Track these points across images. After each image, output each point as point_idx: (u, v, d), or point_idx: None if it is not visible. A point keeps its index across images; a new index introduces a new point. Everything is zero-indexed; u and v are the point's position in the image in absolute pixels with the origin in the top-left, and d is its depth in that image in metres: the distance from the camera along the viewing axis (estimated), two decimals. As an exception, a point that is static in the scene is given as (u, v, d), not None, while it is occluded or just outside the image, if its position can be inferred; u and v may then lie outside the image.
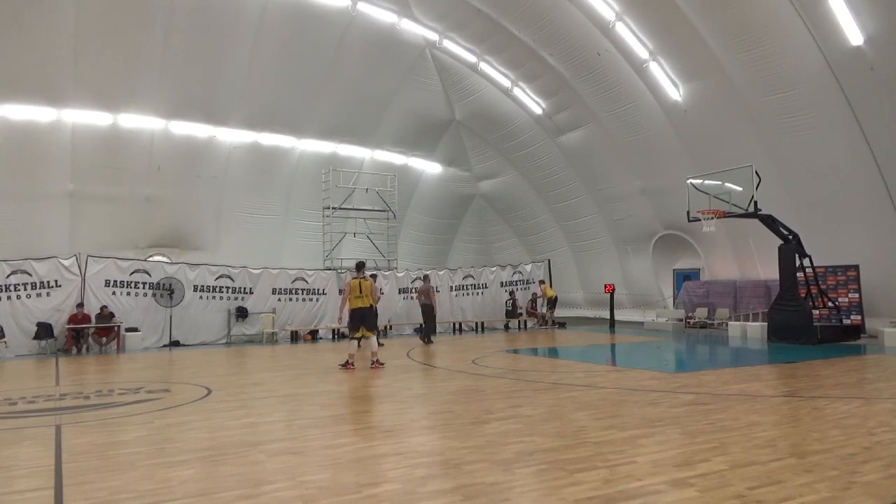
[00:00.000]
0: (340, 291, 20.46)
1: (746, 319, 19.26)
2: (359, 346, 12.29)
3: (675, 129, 20.77)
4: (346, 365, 11.72)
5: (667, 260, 25.00)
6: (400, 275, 22.25)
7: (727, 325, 19.19)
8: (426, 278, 19.16)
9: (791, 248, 15.93)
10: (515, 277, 23.90)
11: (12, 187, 19.85)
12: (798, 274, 16.03)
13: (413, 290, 21.87)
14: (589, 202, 26.04)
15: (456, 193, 30.45)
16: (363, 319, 11.81)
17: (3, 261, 15.87)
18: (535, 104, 24.88)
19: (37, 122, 19.83)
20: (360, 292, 11.76)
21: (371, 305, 11.95)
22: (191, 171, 22.98)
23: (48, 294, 16.13)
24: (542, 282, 23.81)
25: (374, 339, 12.01)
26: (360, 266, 12.56)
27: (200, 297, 18.24)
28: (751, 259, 21.11)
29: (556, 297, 23.31)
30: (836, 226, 17.76)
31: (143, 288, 17.40)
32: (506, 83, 24.95)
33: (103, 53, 19.52)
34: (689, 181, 17.66)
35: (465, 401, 8.25)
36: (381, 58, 23.67)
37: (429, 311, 17.75)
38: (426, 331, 17.69)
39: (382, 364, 11.96)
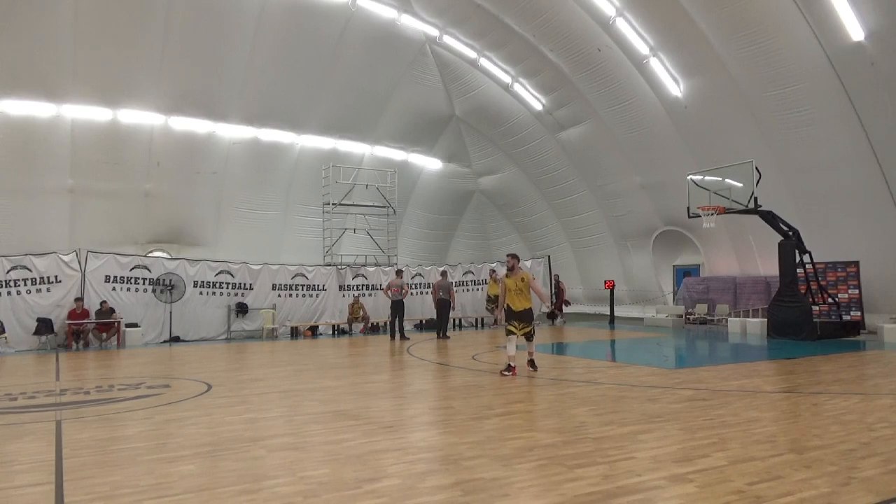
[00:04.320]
0: (340, 287, 20.52)
1: (746, 315, 19.26)
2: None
3: (676, 125, 20.75)
4: (511, 369, 9.94)
5: (667, 256, 25.01)
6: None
7: (727, 321, 19.20)
8: (444, 274, 19.13)
9: (791, 244, 15.93)
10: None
11: (12, 182, 19.83)
12: (798, 270, 16.04)
13: (421, 286, 21.93)
14: (589, 198, 26.04)
15: (456, 189, 30.45)
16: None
17: (3, 256, 15.85)
18: (535, 100, 24.85)
19: (36, 117, 19.81)
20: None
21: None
22: (191, 167, 22.96)
23: (48, 290, 16.11)
24: (492, 271, 21.82)
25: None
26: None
27: (200, 293, 18.23)
28: (751, 255, 21.11)
29: (495, 296, 22.14)
30: (837, 222, 17.76)
31: (144, 284, 17.40)
32: (506, 79, 24.92)
33: (103, 48, 19.49)
34: (689, 177, 17.66)
35: (465, 396, 8.26)
36: (381, 53, 23.65)
37: (445, 307, 17.73)
38: (441, 326, 17.68)
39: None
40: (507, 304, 10.13)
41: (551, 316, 23.71)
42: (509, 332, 10.09)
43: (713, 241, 22.18)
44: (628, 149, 22.97)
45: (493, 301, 20.81)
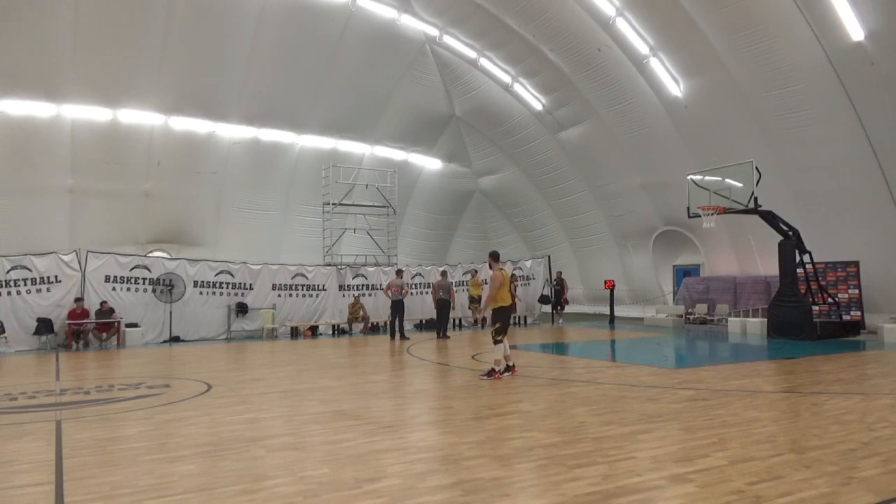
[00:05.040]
0: (340, 287, 20.50)
1: (746, 315, 19.26)
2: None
3: (676, 124, 20.75)
4: (510, 370, 9.62)
5: (667, 256, 25.01)
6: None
7: (727, 321, 19.20)
8: (444, 274, 19.11)
9: (791, 244, 15.93)
10: (515, 273, 23.87)
11: (12, 182, 19.84)
12: (798, 270, 16.03)
13: (421, 286, 21.93)
14: (589, 198, 26.04)
15: (456, 189, 30.46)
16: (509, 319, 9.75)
17: (3, 256, 15.85)
18: (535, 100, 24.85)
19: (36, 117, 19.82)
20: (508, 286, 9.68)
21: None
22: (191, 167, 22.97)
23: (48, 290, 16.11)
24: (474, 272, 21.38)
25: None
26: (498, 256, 10.15)
27: (200, 293, 18.23)
28: (751, 255, 21.11)
29: (478, 297, 20.59)
30: (837, 222, 17.76)
31: (144, 284, 17.39)
32: (506, 79, 24.93)
33: (103, 48, 19.49)
34: (689, 177, 17.65)
35: (465, 396, 8.26)
36: (381, 53, 23.65)
37: (445, 307, 17.75)
38: (441, 326, 17.70)
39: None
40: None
41: (543, 300, 23.50)
42: None
43: (713, 241, 22.18)
44: (628, 149, 22.96)
45: (475, 302, 20.66)
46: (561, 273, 23.72)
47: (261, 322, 18.80)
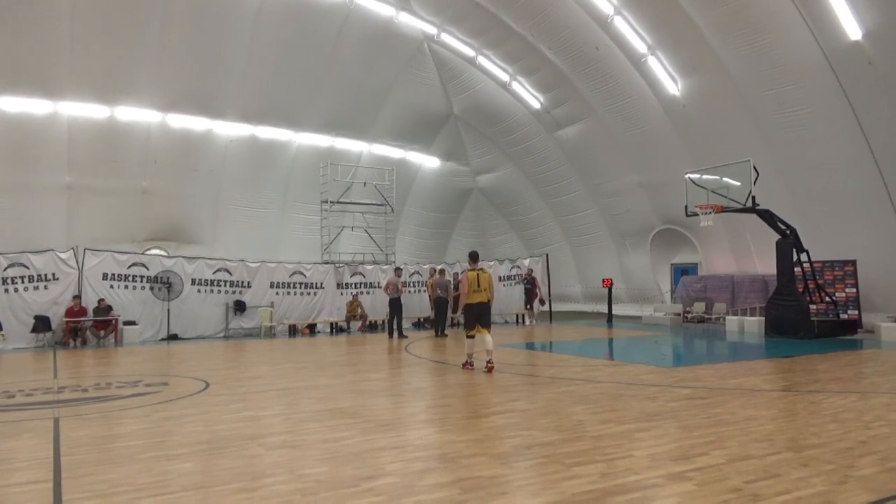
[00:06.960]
0: (338, 286, 20.49)
1: (744, 314, 19.29)
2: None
3: (674, 123, 20.76)
4: (466, 365, 10.64)
5: (665, 254, 25.04)
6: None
7: (724, 319, 19.23)
8: (442, 272, 19.07)
9: (789, 242, 15.95)
10: (513, 272, 23.88)
11: (9, 180, 19.76)
12: (796, 269, 16.06)
13: (419, 285, 21.94)
14: (587, 197, 26.05)
15: (454, 187, 30.44)
16: (480, 317, 10.45)
17: (1, 253, 15.83)
18: (533, 98, 24.85)
19: (33, 114, 19.74)
20: (479, 286, 10.43)
21: (489, 301, 10.60)
22: (188, 165, 22.90)
23: (45, 287, 16.08)
24: (437, 271, 19.30)
25: (489, 337, 10.47)
26: (476, 256, 11.00)
27: (198, 291, 18.22)
28: (748, 254, 21.15)
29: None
30: (834, 220, 17.78)
31: (141, 281, 17.37)
32: (504, 77, 24.91)
33: (100, 46, 19.44)
34: (687, 176, 17.67)
35: (463, 395, 8.26)
36: (379, 51, 23.63)
37: (443, 305, 17.76)
38: (439, 324, 17.72)
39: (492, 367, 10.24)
40: None
41: (528, 295, 23.01)
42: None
43: (711, 239, 22.20)
44: (626, 147, 22.97)
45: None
46: (532, 272, 22.78)
47: (259, 320, 18.79)
